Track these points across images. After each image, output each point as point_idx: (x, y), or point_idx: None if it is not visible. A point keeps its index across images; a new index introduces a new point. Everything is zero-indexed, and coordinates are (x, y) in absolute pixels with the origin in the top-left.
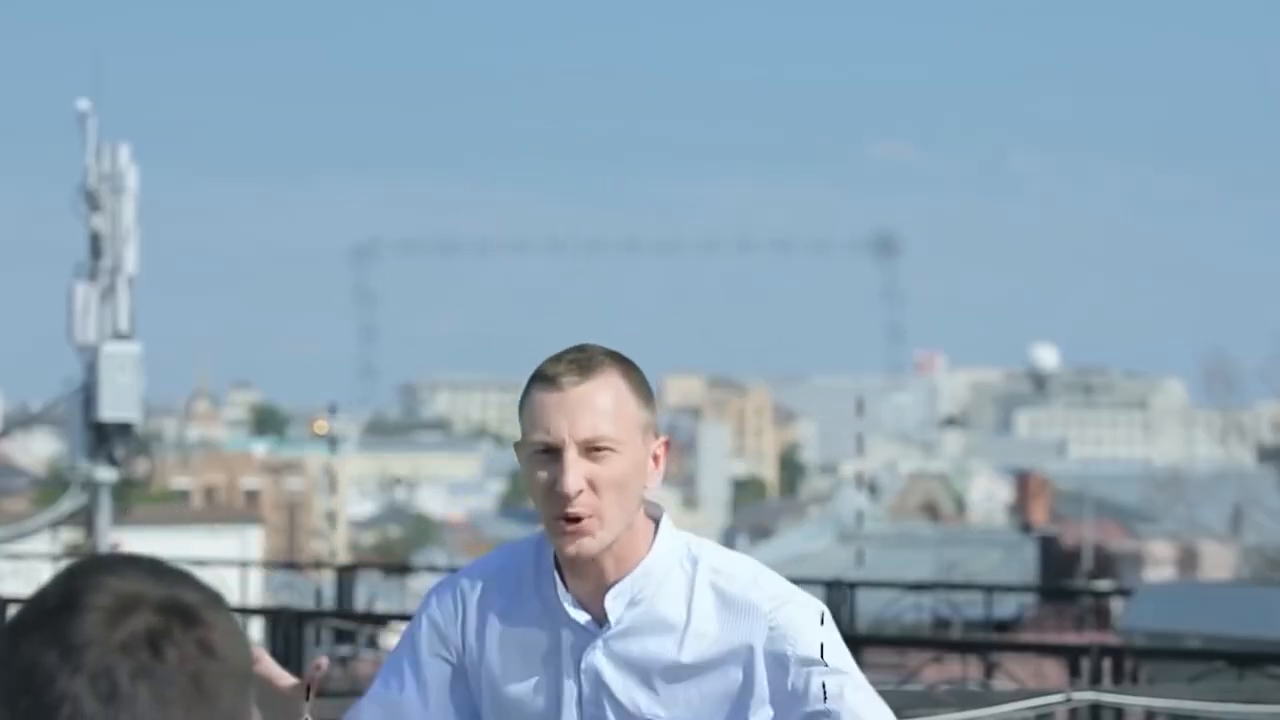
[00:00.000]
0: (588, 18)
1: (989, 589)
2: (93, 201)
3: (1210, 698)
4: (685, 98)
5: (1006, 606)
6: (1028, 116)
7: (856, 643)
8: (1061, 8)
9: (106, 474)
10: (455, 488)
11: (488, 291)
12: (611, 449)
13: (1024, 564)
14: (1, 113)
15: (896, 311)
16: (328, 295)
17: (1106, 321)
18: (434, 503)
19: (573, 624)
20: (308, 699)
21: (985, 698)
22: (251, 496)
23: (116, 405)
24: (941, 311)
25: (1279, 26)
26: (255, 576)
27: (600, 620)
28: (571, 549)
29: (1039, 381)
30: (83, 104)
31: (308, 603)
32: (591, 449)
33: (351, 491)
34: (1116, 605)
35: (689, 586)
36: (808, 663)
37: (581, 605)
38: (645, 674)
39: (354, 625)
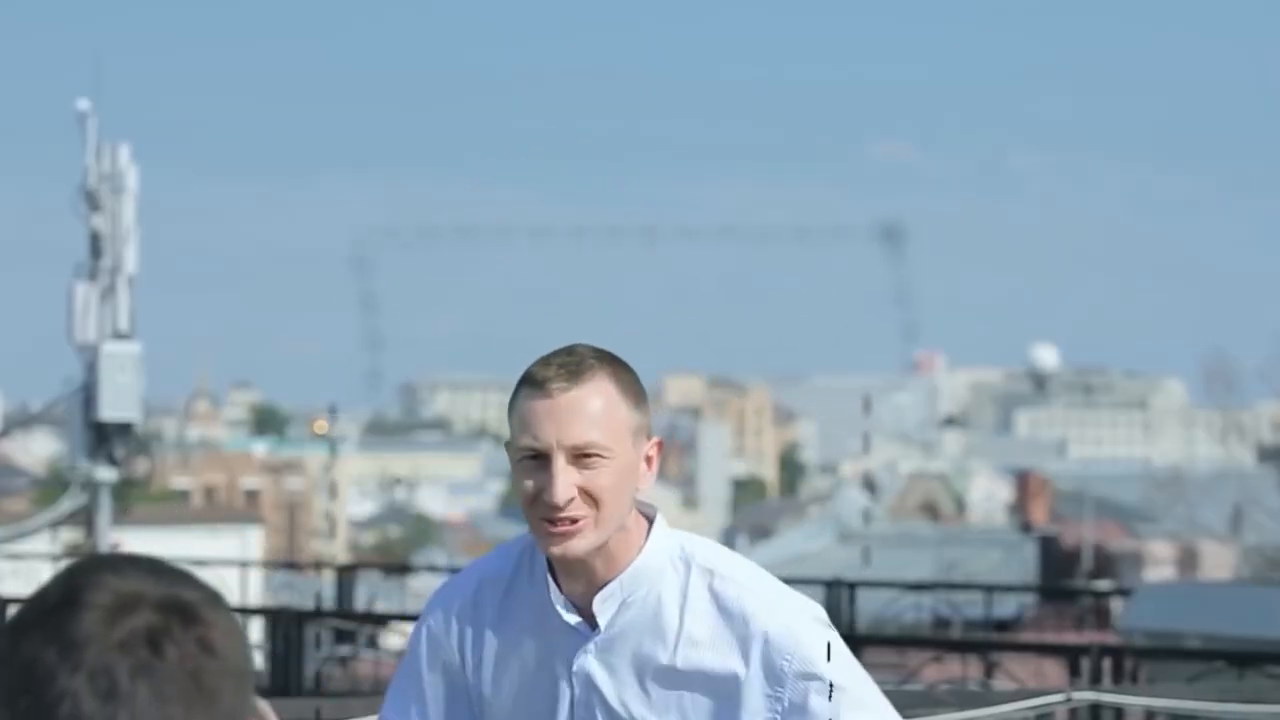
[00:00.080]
0: (588, 18)
1: (989, 589)
2: (93, 201)
3: (1210, 698)
4: (685, 98)
5: (1006, 606)
6: (1028, 116)
7: (856, 642)
8: (1061, 8)
9: (106, 474)
10: (455, 488)
11: (488, 291)
12: (601, 455)
13: (1024, 564)
14: (1, 113)
15: (908, 310)
16: (328, 295)
17: (1106, 321)
18: (434, 503)
19: (565, 626)
20: None
21: (985, 698)
22: (251, 496)
23: (116, 405)
24: (942, 311)
25: (1279, 26)
26: (255, 576)
27: (593, 622)
28: (558, 550)
29: (1039, 381)
30: (83, 104)
31: (308, 603)
32: (581, 456)
33: (351, 491)
34: (1116, 605)
35: (682, 589)
36: (804, 677)
37: (574, 606)
38: (636, 678)
39: (354, 625)
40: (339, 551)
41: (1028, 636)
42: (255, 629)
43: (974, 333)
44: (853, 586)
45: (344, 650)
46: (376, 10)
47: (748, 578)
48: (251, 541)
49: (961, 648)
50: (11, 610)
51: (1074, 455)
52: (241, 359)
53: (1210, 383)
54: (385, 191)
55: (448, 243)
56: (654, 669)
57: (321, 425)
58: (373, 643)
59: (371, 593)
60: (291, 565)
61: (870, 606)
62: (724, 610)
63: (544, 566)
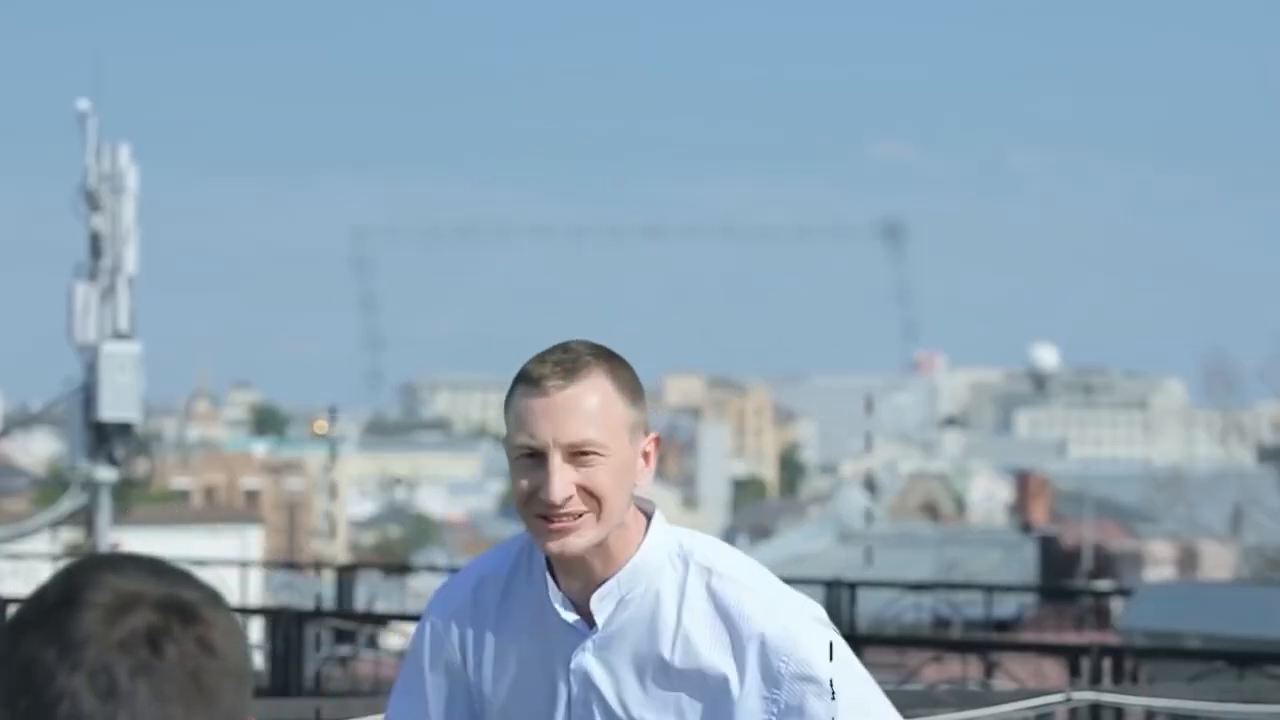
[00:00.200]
0: (588, 18)
1: (989, 589)
2: (93, 201)
3: (1210, 698)
4: (685, 98)
5: (1006, 606)
6: (1028, 116)
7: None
8: (1061, 8)
9: (106, 474)
10: (455, 488)
11: (488, 291)
12: (598, 452)
13: (1024, 564)
14: (1, 113)
15: (908, 310)
16: (328, 295)
17: (1106, 321)
18: (434, 503)
19: (563, 624)
20: None
21: (985, 698)
22: (251, 496)
23: (116, 405)
24: (942, 311)
25: (1279, 26)
26: (255, 576)
27: (591, 620)
28: (555, 547)
29: (1039, 381)
30: (83, 104)
31: (308, 603)
32: (577, 453)
33: (351, 491)
34: (1116, 605)
35: (680, 587)
36: (801, 679)
37: (572, 604)
38: (634, 676)
39: (354, 625)
40: (339, 551)
41: (1028, 636)
42: (255, 629)
43: (974, 333)
44: (853, 586)
45: (344, 650)
46: (376, 10)
47: (746, 576)
48: (251, 541)
49: (961, 648)
50: (12, 610)
51: (1074, 455)
52: (241, 359)
53: (1210, 383)
54: (385, 191)
55: (448, 243)
56: (652, 667)
57: (321, 425)
58: (373, 643)
59: (371, 593)
60: (291, 565)
61: (870, 606)
62: (721, 609)
63: (542, 565)
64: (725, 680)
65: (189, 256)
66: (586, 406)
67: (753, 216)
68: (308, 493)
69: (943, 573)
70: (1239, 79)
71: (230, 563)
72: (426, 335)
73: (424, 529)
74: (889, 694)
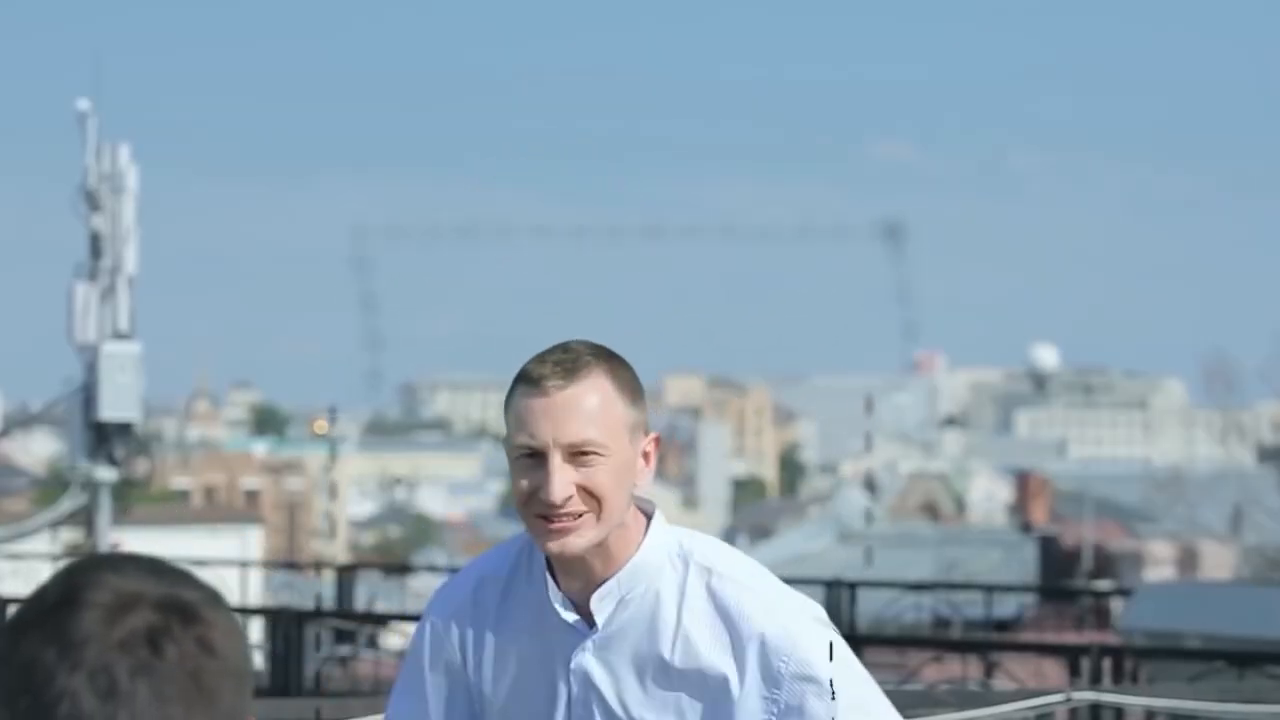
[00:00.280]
0: (588, 18)
1: (989, 589)
2: (93, 201)
3: (1210, 698)
4: (685, 98)
5: (1006, 606)
6: (1028, 116)
7: (857, 642)
8: (1061, 8)
9: (106, 474)
10: (455, 488)
11: (488, 291)
12: (598, 453)
13: (1024, 564)
14: (1, 113)
15: (909, 309)
16: (328, 295)
17: (1106, 321)
18: (434, 503)
19: (563, 624)
20: None
21: (985, 698)
22: (251, 496)
23: (116, 405)
24: (942, 311)
25: (1279, 26)
26: (255, 576)
27: (591, 620)
28: (555, 547)
29: (1039, 381)
30: (83, 104)
31: (308, 603)
32: (577, 453)
33: (351, 491)
34: (1116, 605)
35: (680, 587)
36: (800, 679)
37: (572, 604)
38: (634, 676)
39: (354, 625)
40: (339, 552)
41: (1028, 636)
42: (255, 629)
43: (974, 333)
44: (853, 586)
45: (344, 650)
46: (376, 10)
47: (746, 576)
48: (251, 541)
49: (961, 648)
50: (12, 610)
51: (1074, 455)
52: (241, 359)
53: (1210, 383)
54: (385, 191)
55: (448, 243)
56: (652, 667)
57: (321, 425)
58: (373, 643)
59: (371, 593)
60: (291, 565)
61: (870, 606)
62: (721, 610)
63: (542, 564)
64: (725, 680)
65: (189, 256)
66: (586, 406)
67: (753, 216)
68: (308, 493)
69: (943, 573)
70: (1239, 79)
71: (230, 563)
72: (426, 335)
73: (424, 529)
74: (889, 694)
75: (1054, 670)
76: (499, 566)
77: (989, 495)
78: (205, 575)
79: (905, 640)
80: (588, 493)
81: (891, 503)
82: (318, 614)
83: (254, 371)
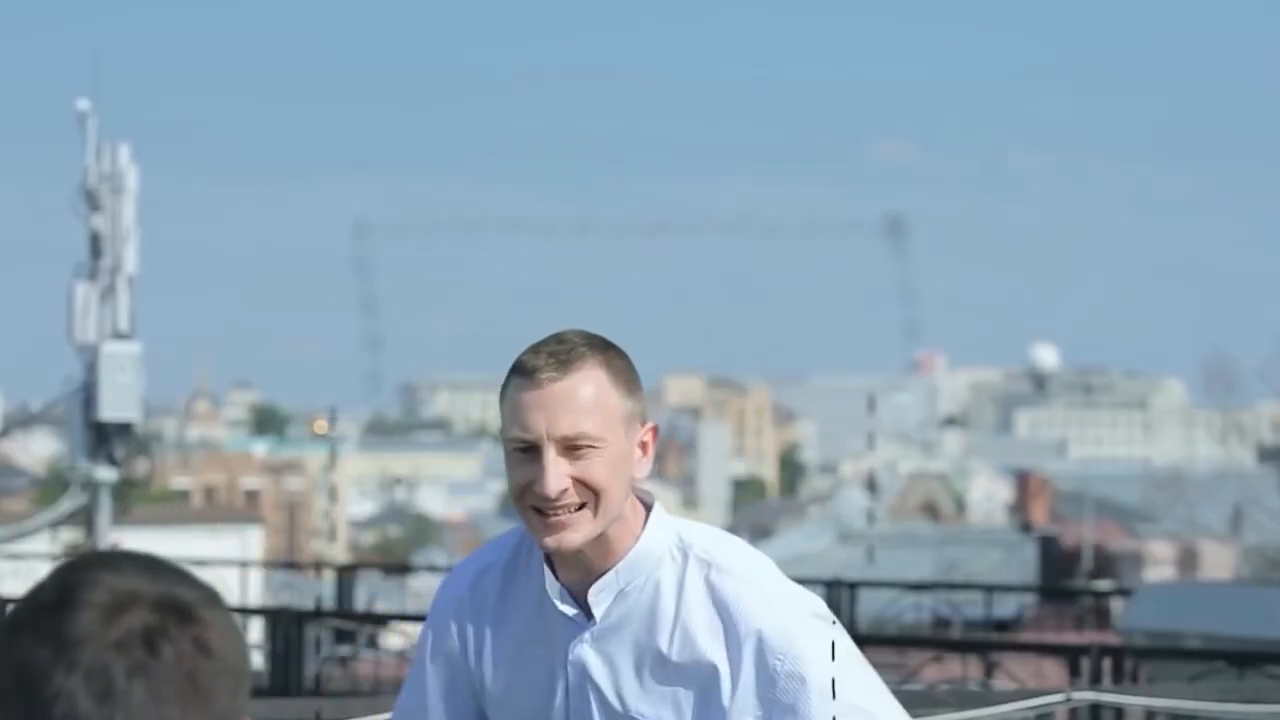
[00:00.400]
0: (588, 18)
1: (989, 589)
2: (93, 201)
3: (1210, 698)
4: (685, 98)
5: (1006, 606)
6: (1028, 116)
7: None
8: (1061, 8)
9: (106, 474)
10: (455, 488)
11: (488, 291)
12: (593, 445)
13: (1024, 564)
14: (1, 113)
15: (911, 308)
16: (328, 295)
17: (1106, 321)
18: (434, 503)
19: (561, 616)
20: None
21: (985, 698)
22: (251, 496)
23: (116, 405)
24: (942, 311)
25: (1279, 26)
26: (255, 576)
27: (589, 612)
28: (551, 542)
29: (1039, 381)
30: (83, 104)
31: (308, 603)
32: (572, 446)
33: (351, 491)
34: (1116, 605)
35: (679, 579)
36: (796, 678)
37: (571, 595)
38: (632, 668)
39: (354, 625)
40: (339, 552)
41: (1028, 636)
42: (255, 629)
43: (974, 333)
44: (853, 586)
45: (344, 650)
46: (376, 10)
47: (746, 570)
48: (251, 541)
49: (961, 648)
50: None
51: (1074, 455)
52: (241, 359)
53: (1210, 383)
54: (385, 191)
55: (448, 242)
56: (649, 660)
57: (321, 425)
58: (373, 643)
59: (371, 593)
60: (291, 565)
61: (870, 606)
62: (720, 604)
63: (541, 555)
64: (721, 675)
65: (189, 256)
66: (581, 398)
67: (753, 217)
68: (308, 493)
69: (943, 573)
70: (1239, 79)
71: (230, 563)
72: (426, 335)
73: (424, 529)
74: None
75: (1054, 670)
76: (498, 557)
77: (989, 495)
78: (205, 575)
79: (905, 640)
80: (584, 485)
81: (891, 503)
82: (318, 614)
83: (254, 371)
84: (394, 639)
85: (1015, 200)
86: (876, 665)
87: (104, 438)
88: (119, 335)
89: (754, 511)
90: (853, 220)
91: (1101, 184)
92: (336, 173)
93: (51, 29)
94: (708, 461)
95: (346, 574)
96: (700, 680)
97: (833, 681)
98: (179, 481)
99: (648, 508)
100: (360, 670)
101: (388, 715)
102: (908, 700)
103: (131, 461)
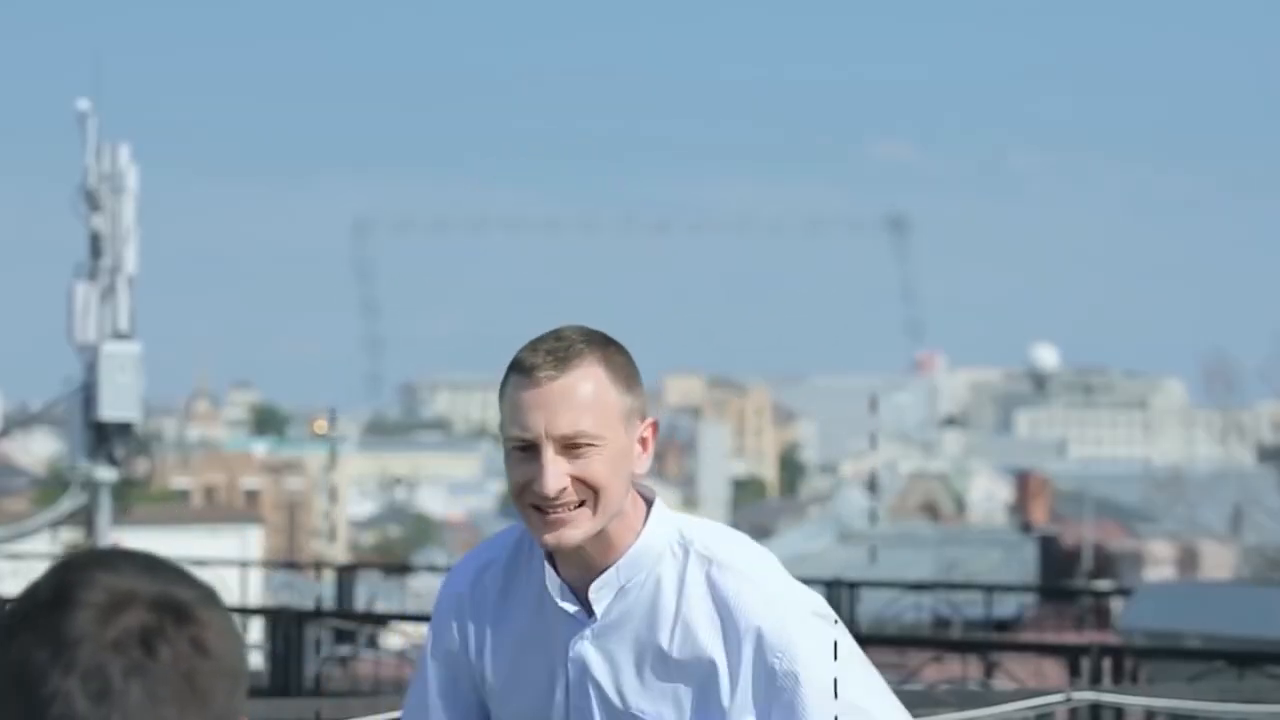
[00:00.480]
0: (588, 18)
1: (989, 589)
2: (93, 201)
3: (1210, 698)
4: (685, 98)
5: (1006, 606)
6: (1028, 116)
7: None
8: (1061, 8)
9: (106, 474)
10: (455, 488)
11: (488, 291)
12: (592, 444)
13: (1024, 564)
14: (1, 113)
15: (913, 307)
16: (328, 295)
17: (1106, 321)
18: (434, 503)
19: (562, 613)
20: None
21: (985, 697)
22: (251, 496)
23: (116, 405)
24: (942, 311)
25: (1279, 26)
26: (255, 576)
27: (590, 608)
28: (551, 540)
29: (1039, 381)
30: (83, 104)
31: (308, 603)
32: (571, 445)
33: (351, 491)
34: (1116, 605)
35: (679, 576)
36: (793, 677)
37: (572, 591)
38: (632, 665)
39: (354, 625)
40: (339, 552)
41: (1028, 636)
42: (255, 629)
43: (974, 333)
44: (853, 586)
45: (344, 650)
46: (376, 10)
47: (747, 566)
48: (251, 541)
49: (961, 648)
50: None
51: (1074, 455)
52: (241, 359)
53: (1210, 383)
54: (385, 191)
55: (448, 243)
56: (649, 657)
57: (321, 425)
58: (373, 643)
59: (371, 593)
60: (291, 565)
61: (870, 606)
62: (720, 601)
63: (541, 552)
64: (720, 672)
65: (189, 256)
66: (579, 396)
67: (753, 217)
68: (308, 493)
69: (943, 573)
70: (1239, 79)
71: (230, 563)
72: (426, 335)
73: (424, 529)
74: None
75: (1054, 670)
76: (499, 554)
77: (989, 495)
78: (205, 575)
79: (905, 640)
80: (583, 484)
81: (891, 503)
82: (318, 614)
83: (254, 371)
84: (394, 639)
85: (1015, 200)
86: (877, 665)
87: (104, 438)
88: (119, 335)
89: (754, 511)
90: (853, 220)
91: (1101, 184)
92: (336, 173)
93: (51, 29)
94: (708, 461)
95: (346, 574)
96: (700, 677)
97: (833, 681)
98: (179, 481)
99: (649, 503)
100: (360, 670)
101: (388, 715)
102: (908, 700)
103: (131, 461)
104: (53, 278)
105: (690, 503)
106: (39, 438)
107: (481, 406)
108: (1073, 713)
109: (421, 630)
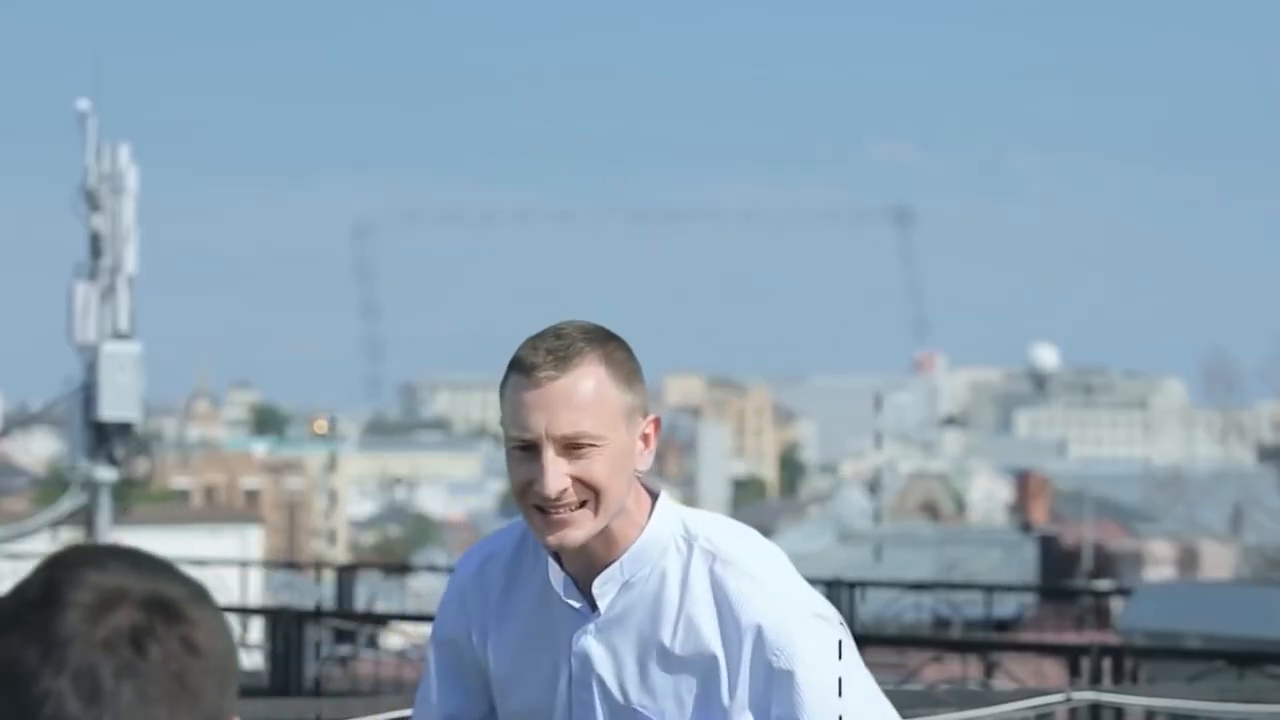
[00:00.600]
0: (588, 18)
1: (989, 589)
2: (93, 201)
3: (1210, 698)
4: (685, 98)
5: (1006, 606)
6: (1028, 116)
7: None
8: (1061, 8)
9: (106, 474)
10: (455, 488)
11: (488, 291)
12: (593, 444)
13: (1024, 564)
14: (1, 113)
15: (917, 305)
16: (328, 295)
17: (1106, 321)
18: (434, 503)
19: (565, 607)
20: None
21: (985, 697)
22: (251, 496)
23: (116, 405)
24: (942, 311)
25: (1279, 26)
26: (255, 576)
27: (594, 602)
28: (554, 541)
29: (1039, 381)
30: (83, 104)
31: (308, 603)
32: (572, 445)
33: (351, 491)
34: (1116, 605)
35: (683, 571)
36: (791, 677)
37: (576, 585)
38: (634, 660)
39: (354, 625)
40: (339, 552)
41: (1028, 636)
42: (255, 629)
43: (974, 332)
44: (853, 586)
45: (344, 650)
46: (376, 10)
47: (751, 563)
48: (251, 541)
49: (961, 648)
50: None
51: (1074, 455)
52: (241, 359)
53: (1210, 383)
54: (385, 191)
55: (448, 242)
56: (652, 652)
57: (321, 425)
58: (373, 643)
59: (371, 593)
60: (291, 565)
61: (870, 606)
62: (722, 598)
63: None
64: (720, 669)
65: (189, 256)
66: (580, 396)
67: (753, 217)
68: (308, 492)
69: (943, 573)
70: (1239, 79)
71: (230, 563)
72: (426, 335)
73: (424, 529)
74: (889, 694)
75: (1054, 670)
76: (503, 547)
77: (989, 495)
78: (205, 575)
79: (905, 640)
80: (584, 484)
81: (891, 502)
82: (318, 614)
83: (254, 371)
84: (394, 639)
85: (1015, 200)
86: (877, 665)
87: (104, 438)
88: (119, 335)
89: (754, 511)
90: (852, 220)
91: (1101, 184)
92: (336, 173)
93: (51, 29)
94: (708, 461)
95: (346, 574)
96: (702, 673)
97: (831, 682)
98: (179, 481)
99: (654, 497)
100: (360, 670)
101: (388, 715)
102: (908, 700)
103: (131, 461)
104: (53, 278)
105: (690, 503)
106: (39, 438)
107: (481, 406)
108: (1073, 713)
109: (421, 630)
